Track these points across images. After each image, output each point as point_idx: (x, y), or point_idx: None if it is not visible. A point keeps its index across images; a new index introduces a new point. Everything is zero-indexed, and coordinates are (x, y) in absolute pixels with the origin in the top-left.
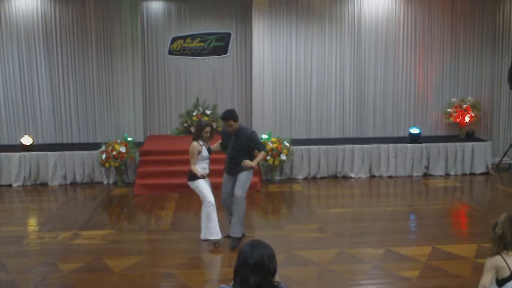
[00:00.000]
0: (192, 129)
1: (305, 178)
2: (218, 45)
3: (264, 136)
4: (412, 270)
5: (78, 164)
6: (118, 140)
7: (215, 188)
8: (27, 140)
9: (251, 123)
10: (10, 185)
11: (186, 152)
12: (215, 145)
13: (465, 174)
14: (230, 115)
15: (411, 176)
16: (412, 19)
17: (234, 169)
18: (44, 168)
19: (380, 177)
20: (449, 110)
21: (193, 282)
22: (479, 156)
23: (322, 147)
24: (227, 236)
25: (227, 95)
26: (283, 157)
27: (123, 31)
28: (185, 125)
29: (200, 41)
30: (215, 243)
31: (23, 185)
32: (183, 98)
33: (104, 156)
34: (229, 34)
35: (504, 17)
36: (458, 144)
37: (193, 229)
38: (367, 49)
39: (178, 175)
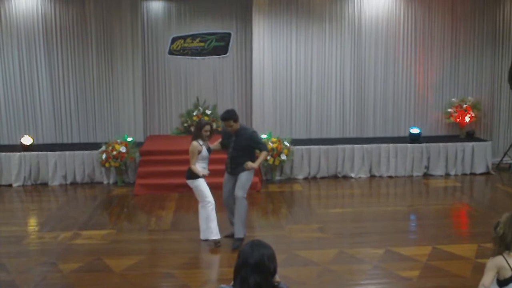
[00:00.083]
0: (193, 129)
1: (305, 178)
2: (218, 45)
3: (264, 136)
4: (412, 270)
5: (78, 164)
6: (118, 140)
7: (215, 188)
8: (27, 140)
9: (251, 123)
10: (10, 185)
11: (186, 152)
12: (216, 143)
13: (465, 174)
14: (230, 116)
15: (411, 176)
16: (412, 19)
17: (235, 169)
18: (44, 168)
19: (380, 177)
20: (449, 110)
21: (193, 282)
22: (479, 156)
23: (322, 147)
24: (226, 236)
25: (227, 95)
26: (283, 157)
27: (123, 31)
28: (185, 125)
29: (200, 41)
30: (216, 242)
31: (23, 185)
32: (183, 98)
33: (104, 156)
34: (229, 34)
35: (504, 17)
36: (458, 144)
37: (193, 229)
38: (367, 49)
39: (178, 175)
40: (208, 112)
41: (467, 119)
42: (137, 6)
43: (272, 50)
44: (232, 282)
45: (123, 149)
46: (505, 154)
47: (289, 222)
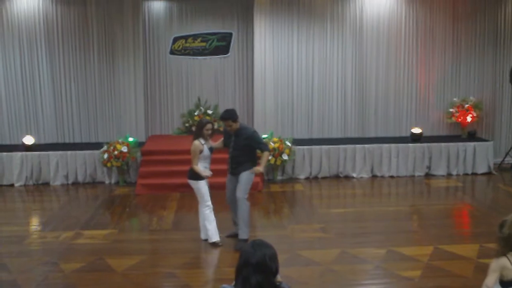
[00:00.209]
0: (194, 129)
1: (307, 178)
2: (219, 45)
3: (265, 136)
4: (414, 270)
5: (80, 164)
6: (120, 140)
7: (218, 188)
8: (29, 140)
9: (252, 123)
10: (12, 185)
11: (187, 152)
12: (218, 142)
13: (467, 174)
14: (229, 115)
15: (413, 176)
16: (414, 19)
17: (235, 169)
18: (46, 168)
19: (382, 177)
20: (451, 110)
21: (194, 282)
22: (481, 156)
23: (324, 147)
24: (228, 236)
25: (229, 95)
26: (285, 157)
27: (125, 31)
28: (187, 125)
29: (201, 41)
30: (215, 244)
31: (25, 185)
32: (185, 98)
33: (106, 156)
34: (230, 34)
35: (505, 17)
36: (460, 144)
37: (194, 229)
38: (368, 49)
39: (179, 175)
40: (209, 112)
41: (468, 119)
42: (138, 6)
43: (273, 50)
44: (234, 282)
45: (124, 149)
46: (507, 154)
47: (291, 222)
